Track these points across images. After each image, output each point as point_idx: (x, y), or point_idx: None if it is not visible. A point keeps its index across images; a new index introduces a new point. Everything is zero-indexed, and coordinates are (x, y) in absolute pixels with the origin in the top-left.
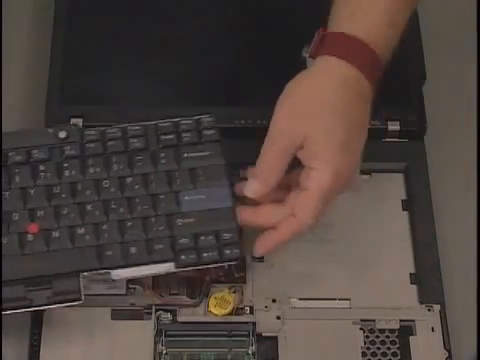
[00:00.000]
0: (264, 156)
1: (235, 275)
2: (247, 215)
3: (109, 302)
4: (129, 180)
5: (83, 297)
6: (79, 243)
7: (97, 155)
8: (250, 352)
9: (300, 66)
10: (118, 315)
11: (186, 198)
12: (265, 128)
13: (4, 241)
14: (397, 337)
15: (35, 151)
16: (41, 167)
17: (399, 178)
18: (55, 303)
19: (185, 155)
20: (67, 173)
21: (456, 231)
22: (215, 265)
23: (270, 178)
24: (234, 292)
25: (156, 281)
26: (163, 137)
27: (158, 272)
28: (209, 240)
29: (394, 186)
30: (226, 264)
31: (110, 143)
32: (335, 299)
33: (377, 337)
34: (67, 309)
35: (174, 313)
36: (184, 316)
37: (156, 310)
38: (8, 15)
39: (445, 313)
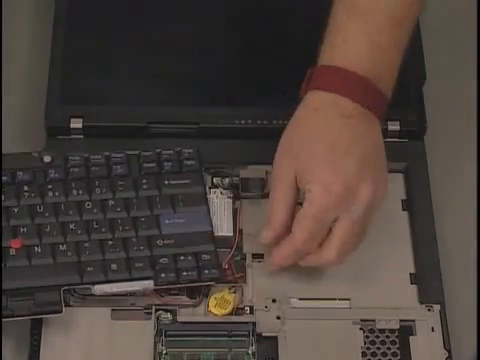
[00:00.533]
0: (270, 204)
1: (235, 275)
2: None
3: (109, 302)
4: (111, 203)
5: (64, 309)
6: (61, 259)
7: (80, 179)
8: (250, 352)
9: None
10: (118, 315)
11: (166, 222)
12: (265, 128)
13: None
14: (397, 337)
15: (20, 173)
16: (25, 188)
17: (399, 178)
18: (36, 314)
19: (166, 182)
20: (51, 194)
21: (456, 231)
22: (194, 284)
23: (275, 224)
24: (234, 292)
25: None
26: (145, 165)
27: (138, 289)
28: (188, 261)
29: (394, 186)
30: (205, 284)
31: (93, 169)
32: (335, 299)
33: (377, 337)
34: (67, 309)
35: (174, 313)
36: (184, 316)
37: (156, 310)
38: (8, 15)
39: (445, 313)
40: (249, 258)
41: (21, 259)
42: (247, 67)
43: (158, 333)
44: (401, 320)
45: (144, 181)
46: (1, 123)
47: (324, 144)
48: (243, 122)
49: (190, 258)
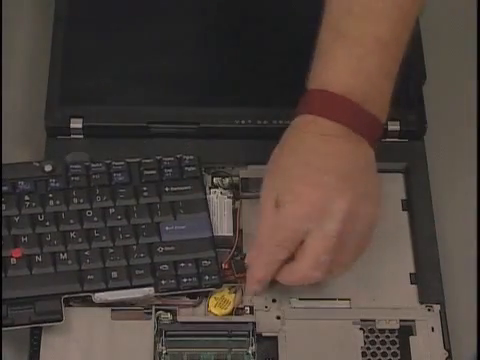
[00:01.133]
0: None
1: (235, 275)
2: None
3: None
4: (112, 211)
5: (64, 318)
6: (61, 268)
7: (81, 188)
8: (250, 352)
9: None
10: (118, 315)
11: (167, 228)
12: (265, 128)
13: None
14: (397, 337)
15: (21, 182)
16: (26, 197)
17: (399, 178)
18: (36, 323)
19: (166, 189)
20: (51, 203)
21: (456, 231)
22: (194, 291)
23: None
24: (234, 292)
25: None
26: (146, 173)
27: (139, 296)
28: (189, 267)
29: (394, 186)
30: (205, 290)
31: (94, 177)
32: (335, 299)
33: (377, 337)
34: (67, 309)
35: (174, 313)
36: (184, 316)
37: (156, 310)
38: (8, 15)
39: (445, 313)
40: None
41: (22, 268)
42: (247, 67)
43: (158, 333)
44: (401, 320)
45: (145, 188)
46: (1, 123)
47: (300, 160)
48: (243, 122)
49: (190, 265)
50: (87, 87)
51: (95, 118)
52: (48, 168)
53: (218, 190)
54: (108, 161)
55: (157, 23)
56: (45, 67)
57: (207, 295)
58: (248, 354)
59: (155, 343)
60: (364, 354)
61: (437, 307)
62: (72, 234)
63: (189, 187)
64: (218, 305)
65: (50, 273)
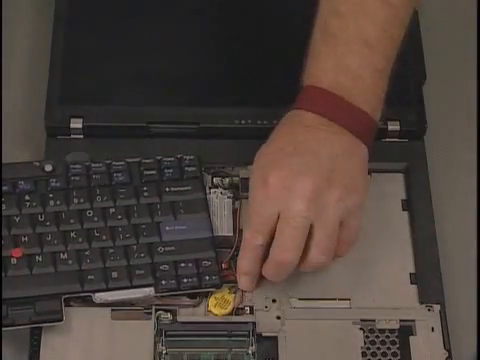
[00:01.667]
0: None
1: (235, 275)
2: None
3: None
4: (112, 211)
5: (64, 317)
6: (61, 268)
7: (81, 188)
8: (250, 352)
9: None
10: (118, 315)
11: (167, 228)
12: (265, 128)
13: None
14: (397, 337)
15: (21, 182)
16: (26, 197)
17: (399, 178)
18: (37, 323)
19: (167, 189)
20: (52, 203)
21: (456, 231)
22: (195, 291)
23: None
24: (234, 292)
25: None
26: (146, 173)
27: (139, 296)
28: (189, 267)
29: (394, 186)
30: (205, 291)
31: (94, 177)
32: (335, 299)
33: (377, 337)
34: (67, 309)
35: (174, 313)
36: (184, 316)
37: (156, 310)
38: (8, 15)
39: (445, 313)
40: None
41: (22, 268)
42: (247, 67)
43: (158, 333)
44: (401, 320)
45: (145, 188)
46: (1, 123)
47: (276, 147)
48: (243, 122)
49: (191, 265)
50: (87, 87)
51: (95, 118)
52: (48, 168)
53: (218, 190)
54: (108, 161)
55: (157, 23)
56: (45, 67)
57: (207, 295)
58: (248, 354)
59: (155, 343)
60: (364, 354)
61: (437, 307)
62: (72, 234)
63: (189, 187)
64: (218, 305)
65: (50, 273)
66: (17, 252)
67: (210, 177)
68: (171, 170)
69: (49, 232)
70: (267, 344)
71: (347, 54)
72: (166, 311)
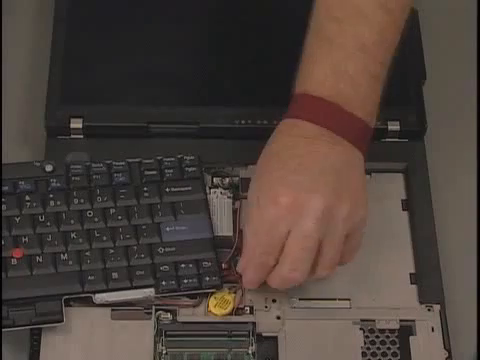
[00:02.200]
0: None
1: (235, 275)
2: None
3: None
4: (112, 211)
5: (65, 318)
6: (62, 268)
7: (82, 188)
8: (250, 352)
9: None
10: (118, 315)
11: (167, 229)
12: (265, 128)
13: None
14: (397, 337)
15: (21, 182)
16: (27, 197)
17: (399, 178)
18: (37, 324)
19: (167, 190)
20: (52, 203)
21: (456, 231)
22: (195, 292)
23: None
24: (234, 292)
25: None
26: (146, 173)
27: (139, 297)
28: (189, 268)
29: (394, 186)
30: (205, 291)
31: (95, 177)
32: (335, 299)
33: (377, 337)
34: (67, 309)
35: (174, 313)
36: (184, 316)
37: (156, 310)
38: (8, 15)
39: (445, 313)
40: None
41: (22, 269)
42: (247, 67)
43: (158, 333)
44: (401, 320)
45: (145, 189)
46: (1, 123)
47: (278, 163)
48: (243, 122)
49: (191, 265)
50: (87, 87)
51: (95, 118)
52: (49, 168)
53: (218, 190)
54: (109, 161)
55: (157, 23)
56: (45, 67)
57: (207, 295)
58: (248, 354)
59: (155, 343)
60: (364, 354)
61: (437, 307)
62: (73, 234)
63: (190, 188)
64: (218, 305)
65: (51, 273)
66: (18, 252)
67: (210, 177)
68: (171, 170)
69: (49, 232)
70: (267, 344)
71: (344, 59)
72: (166, 311)
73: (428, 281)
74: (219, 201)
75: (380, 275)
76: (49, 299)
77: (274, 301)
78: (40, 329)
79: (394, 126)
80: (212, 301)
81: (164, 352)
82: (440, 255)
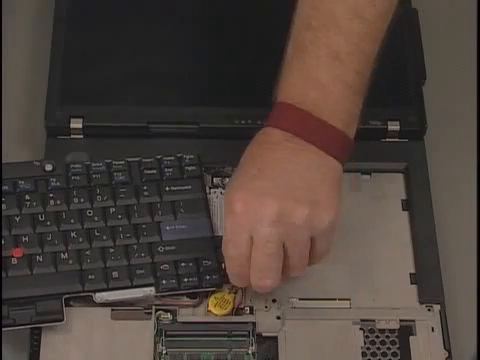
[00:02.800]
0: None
1: None
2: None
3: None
4: (112, 211)
5: (65, 318)
6: (62, 267)
7: (82, 187)
8: (250, 352)
9: None
10: (118, 315)
11: (167, 228)
12: None
13: None
14: (397, 337)
15: (21, 182)
16: (27, 197)
17: (399, 178)
18: (37, 323)
19: (167, 189)
20: (52, 203)
21: (456, 231)
22: (195, 291)
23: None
24: (234, 292)
25: None
26: (146, 172)
27: (139, 296)
28: (189, 267)
29: (394, 186)
30: (206, 290)
31: (95, 176)
32: (335, 299)
33: (377, 337)
34: (67, 309)
35: (174, 313)
36: (184, 316)
37: (156, 310)
38: (8, 15)
39: (445, 313)
40: None
41: (22, 268)
42: (247, 67)
43: (158, 333)
44: (401, 320)
45: (145, 188)
46: (1, 123)
47: (241, 170)
48: (243, 122)
49: (191, 264)
50: (87, 87)
51: (95, 118)
52: (48, 168)
53: (218, 190)
54: (108, 160)
55: (157, 23)
56: (45, 67)
57: (207, 295)
58: (248, 354)
59: (155, 343)
60: (364, 354)
61: (437, 307)
62: (73, 234)
63: (189, 186)
64: (218, 305)
65: (51, 273)
66: (18, 252)
67: (210, 177)
68: (171, 169)
69: (49, 232)
70: (267, 344)
71: (317, 67)
72: (166, 311)
73: (428, 281)
74: (219, 201)
75: (380, 275)
76: (49, 298)
77: (274, 301)
78: (40, 329)
79: (394, 126)
80: (212, 301)
81: (164, 352)
82: (440, 255)
